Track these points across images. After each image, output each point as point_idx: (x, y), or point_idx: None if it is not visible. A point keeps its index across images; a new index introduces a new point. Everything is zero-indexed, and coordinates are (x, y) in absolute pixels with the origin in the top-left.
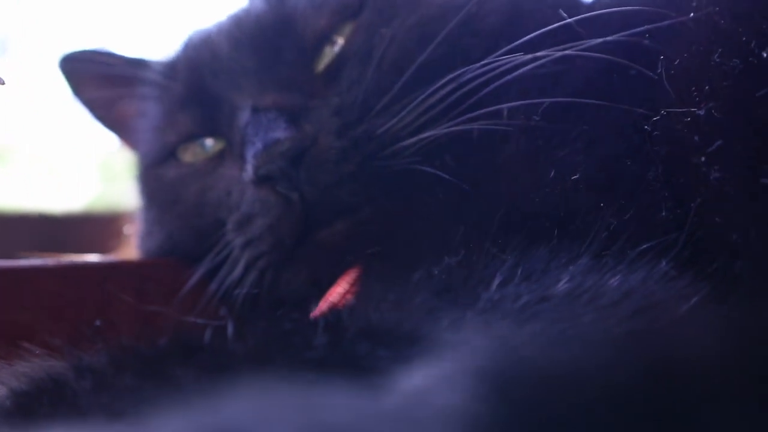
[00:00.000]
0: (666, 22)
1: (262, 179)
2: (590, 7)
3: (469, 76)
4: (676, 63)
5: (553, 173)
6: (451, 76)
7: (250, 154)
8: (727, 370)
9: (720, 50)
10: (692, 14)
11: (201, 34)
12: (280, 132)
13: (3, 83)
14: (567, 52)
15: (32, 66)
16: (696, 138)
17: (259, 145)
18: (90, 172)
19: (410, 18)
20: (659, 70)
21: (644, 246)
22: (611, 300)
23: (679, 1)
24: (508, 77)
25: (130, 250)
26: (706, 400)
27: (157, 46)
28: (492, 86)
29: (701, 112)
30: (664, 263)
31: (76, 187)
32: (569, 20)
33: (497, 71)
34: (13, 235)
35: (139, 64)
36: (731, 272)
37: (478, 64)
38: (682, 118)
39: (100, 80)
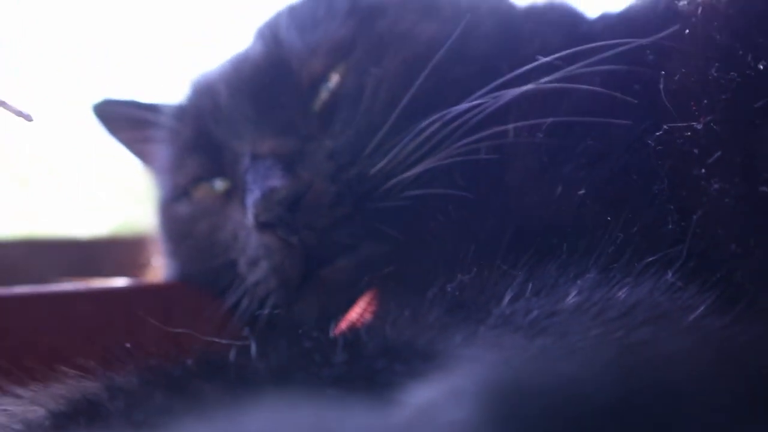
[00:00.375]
0: (665, 33)
1: (262, 226)
2: (592, 24)
3: (453, 114)
4: (676, 78)
5: (560, 189)
6: (434, 117)
7: (250, 202)
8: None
9: (717, 65)
10: (690, 29)
11: (205, 78)
12: (277, 180)
13: (30, 120)
14: (546, 85)
15: (58, 91)
16: (695, 151)
17: (257, 194)
18: (118, 195)
19: (398, 56)
20: (661, 85)
21: (651, 258)
22: (619, 312)
23: (678, 17)
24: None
25: (157, 272)
26: (708, 413)
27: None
28: (491, 110)
29: (700, 126)
30: (670, 274)
31: (104, 211)
32: (551, 56)
33: (481, 109)
34: (46, 261)
35: (156, 107)
36: (734, 281)
37: (459, 106)
38: (683, 132)
39: (129, 123)
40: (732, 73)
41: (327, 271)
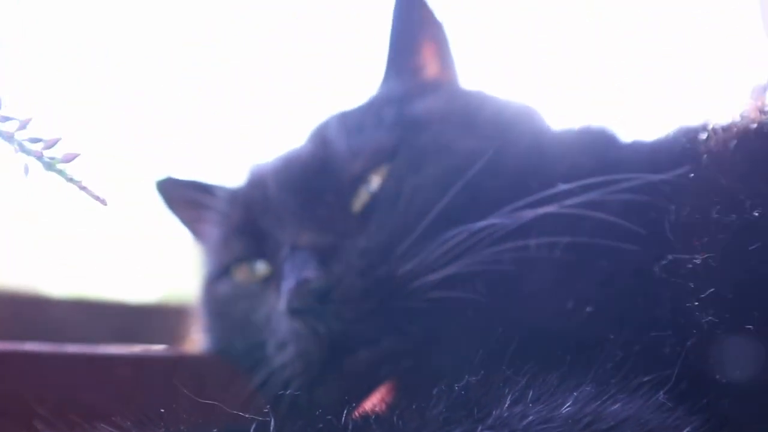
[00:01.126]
0: (677, 171)
1: (293, 313)
2: (621, 150)
3: (478, 227)
4: (684, 213)
5: (571, 304)
6: (463, 227)
7: (284, 289)
8: None
9: (719, 206)
10: (698, 171)
11: (259, 169)
12: (311, 271)
13: (105, 204)
14: (546, 208)
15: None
16: (692, 284)
17: (292, 282)
18: (168, 264)
19: (437, 167)
20: (672, 218)
21: (646, 378)
22: (608, 425)
23: (691, 157)
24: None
25: (196, 342)
26: None
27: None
28: (516, 228)
29: (698, 261)
30: (661, 394)
31: (153, 279)
32: (572, 184)
33: (503, 226)
34: (94, 321)
35: (212, 190)
36: (720, 408)
37: (484, 222)
38: (685, 264)
39: (187, 203)
40: (732, 216)
41: (349, 360)
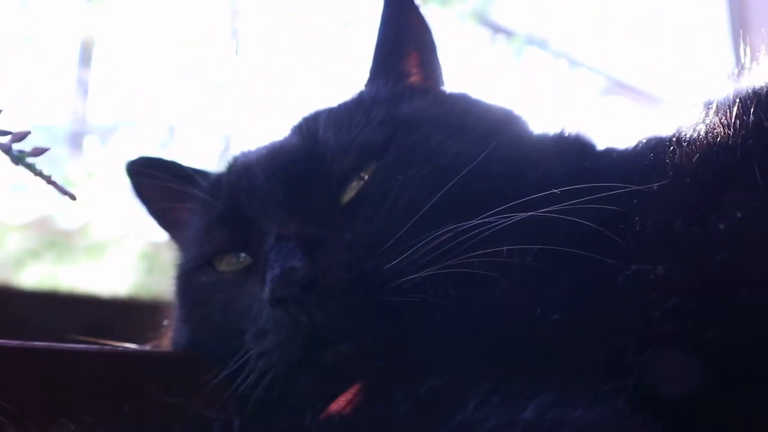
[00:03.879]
0: (646, 183)
1: (276, 301)
2: (595, 160)
3: (466, 226)
4: (648, 224)
5: (539, 311)
6: (450, 227)
7: (268, 278)
8: None
9: (682, 219)
10: (664, 182)
11: (243, 158)
12: (297, 261)
13: (74, 199)
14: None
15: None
16: (654, 295)
17: (276, 271)
18: (135, 259)
19: (426, 167)
20: (637, 228)
21: (606, 385)
22: (568, 430)
23: (656, 169)
24: (501, 227)
25: (166, 340)
26: None
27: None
28: (491, 231)
29: (660, 272)
30: (621, 402)
31: (122, 273)
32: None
33: (490, 226)
34: (65, 314)
35: (193, 177)
36: (678, 416)
37: (472, 221)
38: (647, 275)
39: (159, 189)
40: (695, 228)
41: (328, 352)
